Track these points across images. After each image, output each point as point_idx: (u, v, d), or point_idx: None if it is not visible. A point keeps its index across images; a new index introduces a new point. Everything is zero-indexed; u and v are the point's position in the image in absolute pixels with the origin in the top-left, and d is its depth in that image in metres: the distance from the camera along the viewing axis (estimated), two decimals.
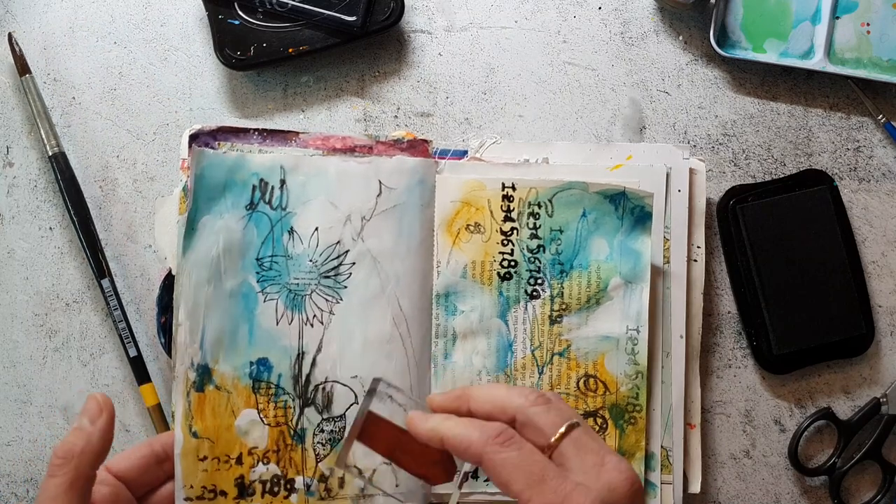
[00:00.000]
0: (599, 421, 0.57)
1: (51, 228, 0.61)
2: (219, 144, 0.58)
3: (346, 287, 0.57)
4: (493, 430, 0.44)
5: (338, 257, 0.57)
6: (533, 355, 0.58)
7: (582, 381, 0.58)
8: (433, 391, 0.57)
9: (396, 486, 0.56)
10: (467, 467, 0.52)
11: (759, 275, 0.59)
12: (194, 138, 0.58)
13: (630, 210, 0.58)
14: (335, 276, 0.57)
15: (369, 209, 0.58)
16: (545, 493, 0.42)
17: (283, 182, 0.57)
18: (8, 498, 0.60)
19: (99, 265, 0.59)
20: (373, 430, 0.48)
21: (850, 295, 0.60)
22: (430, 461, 0.48)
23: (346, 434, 0.50)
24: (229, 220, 0.57)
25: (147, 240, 0.61)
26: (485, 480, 0.57)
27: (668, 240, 0.59)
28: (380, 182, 0.58)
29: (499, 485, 0.43)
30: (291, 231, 0.57)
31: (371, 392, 0.48)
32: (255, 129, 0.59)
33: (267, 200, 0.57)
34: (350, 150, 0.59)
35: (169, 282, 0.57)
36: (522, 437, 0.44)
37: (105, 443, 0.47)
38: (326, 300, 0.57)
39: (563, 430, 0.44)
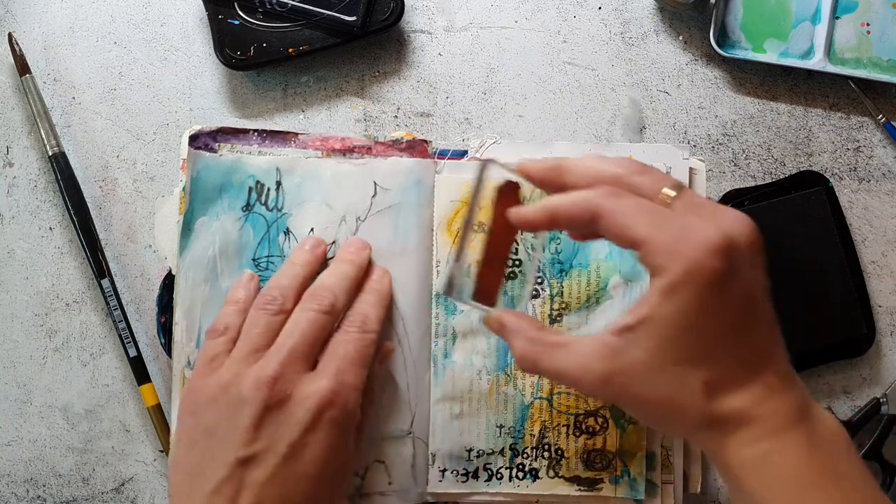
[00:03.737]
0: (600, 420, 0.57)
1: (51, 228, 0.61)
2: (219, 146, 0.58)
3: None
4: (604, 188, 0.43)
5: (333, 257, 0.57)
6: None
7: None
8: (432, 391, 0.57)
9: (389, 484, 0.56)
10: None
11: None
12: (194, 139, 0.58)
13: None
14: None
15: (364, 210, 0.58)
16: (666, 230, 0.41)
17: (278, 184, 0.58)
18: (8, 498, 0.60)
19: (99, 265, 0.59)
20: (503, 202, 0.49)
21: (850, 295, 0.60)
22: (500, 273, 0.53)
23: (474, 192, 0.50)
24: (226, 222, 0.57)
25: (147, 240, 0.61)
26: (485, 481, 0.57)
27: None
28: (375, 183, 0.58)
29: (617, 236, 0.42)
30: (287, 232, 0.57)
31: (484, 166, 0.50)
32: (255, 130, 0.59)
33: (263, 202, 0.58)
34: (349, 151, 0.59)
35: (169, 281, 0.58)
36: None
37: None
38: None
39: (674, 184, 0.43)
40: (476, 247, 0.51)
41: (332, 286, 0.53)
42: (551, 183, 0.47)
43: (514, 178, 0.49)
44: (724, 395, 0.42)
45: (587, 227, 0.44)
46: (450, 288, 0.50)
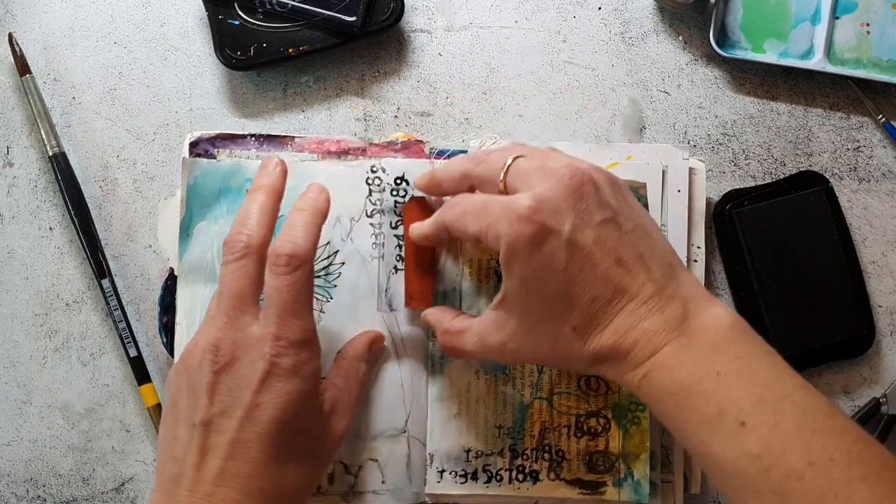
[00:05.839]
0: (602, 421, 0.57)
1: (51, 228, 0.61)
2: (217, 151, 0.59)
3: (335, 286, 0.58)
4: (446, 203, 0.51)
5: (328, 258, 0.58)
6: None
7: (583, 380, 0.57)
8: (430, 390, 0.57)
9: (383, 482, 0.56)
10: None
11: (757, 279, 0.59)
12: (194, 146, 0.59)
13: None
14: (325, 275, 0.58)
15: (358, 210, 0.58)
16: (487, 217, 0.46)
17: None
18: (8, 498, 0.60)
19: (99, 265, 0.59)
20: (413, 214, 0.56)
21: (850, 295, 0.60)
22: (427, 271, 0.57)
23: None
24: (224, 225, 0.58)
25: (147, 240, 0.61)
26: (485, 483, 0.57)
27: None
28: (368, 184, 0.58)
29: (465, 238, 0.50)
30: None
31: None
32: (252, 135, 0.59)
33: None
34: (344, 154, 0.59)
35: (171, 282, 0.58)
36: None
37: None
38: (317, 299, 0.57)
39: (504, 168, 0.48)
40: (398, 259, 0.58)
41: (244, 223, 0.50)
42: (437, 193, 0.55)
43: (414, 193, 0.57)
44: (593, 336, 0.46)
45: (452, 239, 0.53)
46: (382, 302, 0.57)
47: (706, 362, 0.44)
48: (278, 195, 0.51)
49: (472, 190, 0.51)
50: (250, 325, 0.48)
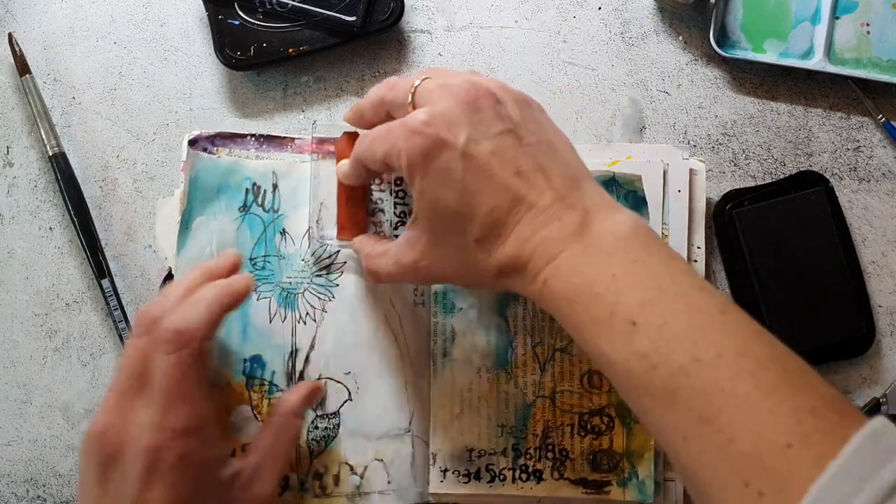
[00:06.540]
0: (606, 419, 0.57)
1: (51, 228, 0.61)
2: (216, 150, 0.59)
3: (337, 285, 0.58)
4: (358, 141, 0.51)
5: (329, 257, 0.58)
6: (534, 351, 0.58)
7: (586, 377, 0.57)
8: (432, 389, 0.57)
9: (388, 482, 0.56)
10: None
11: (757, 279, 0.59)
12: (193, 143, 0.59)
13: (624, 196, 0.58)
14: (327, 274, 0.58)
15: None
16: (391, 139, 0.47)
17: (275, 186, 0.59)
18: (8, 498, 0.60)
19: (99, 265, 0.59)
20: (345, 149, 0.55)
21: (850, 295, 0.60)
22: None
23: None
24: (223, 222, 0.58)
25: (147, 240, 0.61)
26: (488, 482, 0.57)
27: (666, 235, 0.59)
28: (370, 183, 0.58)
29: (375, 166, 0.49)
30: (283, 232, 0.58)
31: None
32: (252, 135, 0.59)
33: (259, 203, 0.58)
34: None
35: (169, 281, 0.58)
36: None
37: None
38: (319, 298, 0.57)
39: (412, 90, 0.48)
40: (330, 195, 0.58)
41: (164, 298, 0.49)
42: (361, 125, 0.54)
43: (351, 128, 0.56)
44: (495, 247, 0.46)
45: (369, 172, 0.52)
46: (314, 235, 0.58)
47: (602, 266, 0.43)
48: (219, 285, 0.50)
49: (389, 118, 0.51)
50: (139, 409, 0.46)
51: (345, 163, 0.54)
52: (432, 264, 0.49)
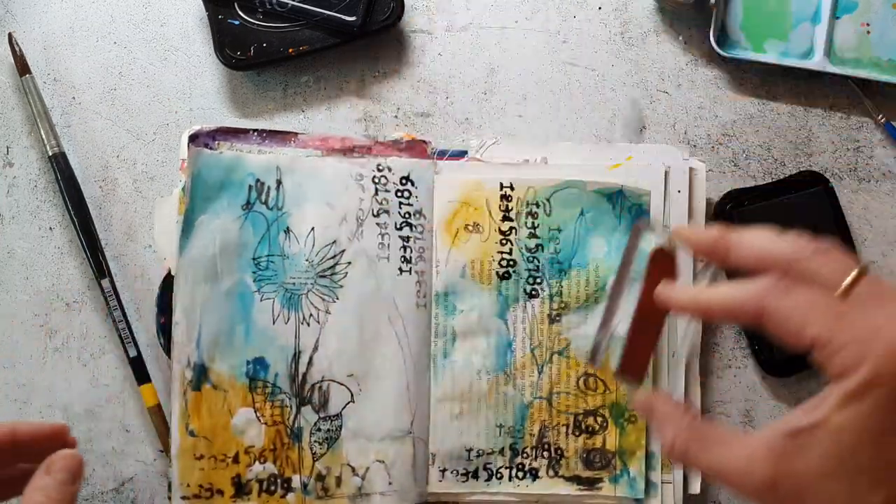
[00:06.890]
0: (599, 420, 0.57)
1: (51, 228, 0.61)
2: (218, 145, 0.58)
3: (342, 286, 0.57)
4: (768, 282, 0.39)
5: (333, 257, 0.58)
6: (532, 354, 0.58)
7: (582, 379, 0.58)
8: (432, 390, 0.57)
9: (390, 483, 0.56)
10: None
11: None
12: (193, 139, 0.58)
13: (627, 209, 0.58)
14: (331, 275, 0.57)
15: (366, 210, 0.58)
16: (848, 328, 0.37)
17: (279, 182, 0.58)
18: None
19: (99, 265, 0.59)
20: (656, 271, 0.45)
21: None
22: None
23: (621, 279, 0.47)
24: (226, 220, 0.57)
25: (147, 240, 0.61)
26: (485, 481, 0.57)
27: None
28: (374, 182, 0.58)
29: (788, 336, 0.38)
30: (287, 231, 0.57)
31: (637, 231, 0.46)
32: (255, 130, 0.59)
33: (263, 200, 0.58)
34: (349, 151, 0.59)
35: (168, 282, 0.58)
36: None
37: None
38: (323, 299, 0.57)
39: (853, 274, 0.38)
40: (626, 315, 0.47)
41: None
42: (713, 257, 0.44)
43: (665, 243, 0.46)
44: None
45: (750, 324, 0.40)
46: (594, 356, 0.48)
47: None
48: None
49: (766, 272, 0.41)
50: None
51: (684, 297, 0.44)
52: (802, 492, 0.37)
